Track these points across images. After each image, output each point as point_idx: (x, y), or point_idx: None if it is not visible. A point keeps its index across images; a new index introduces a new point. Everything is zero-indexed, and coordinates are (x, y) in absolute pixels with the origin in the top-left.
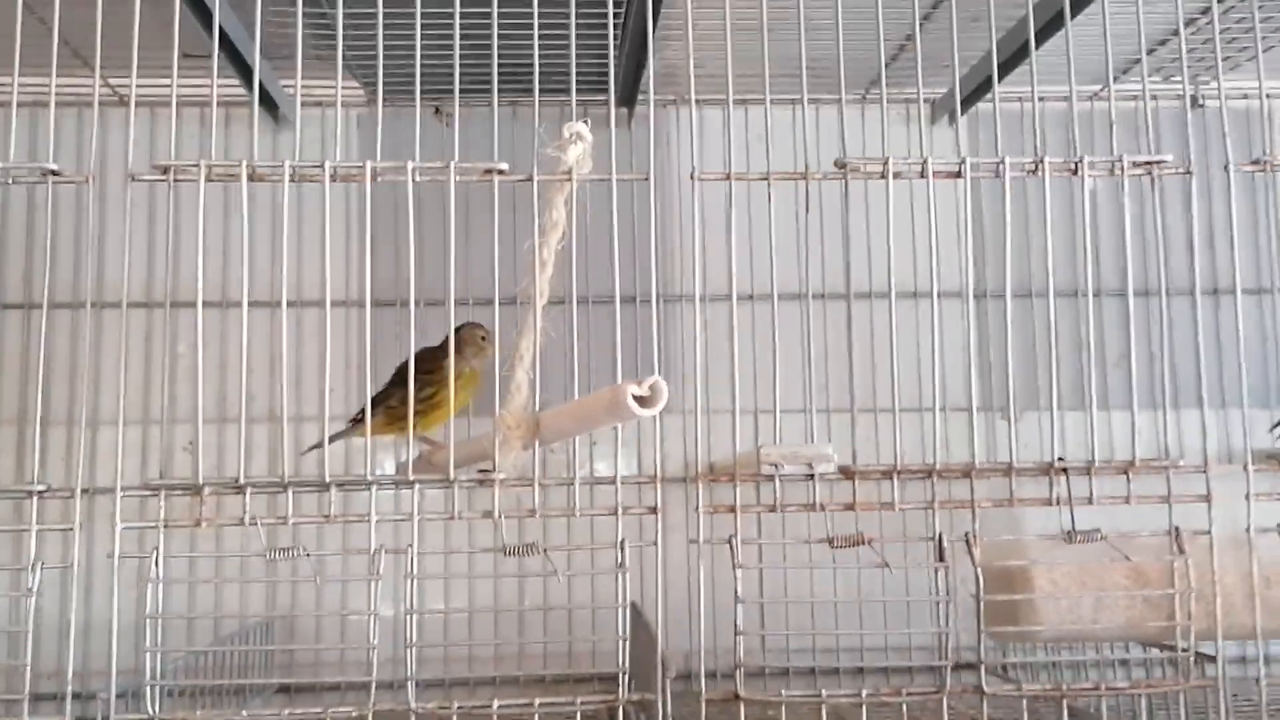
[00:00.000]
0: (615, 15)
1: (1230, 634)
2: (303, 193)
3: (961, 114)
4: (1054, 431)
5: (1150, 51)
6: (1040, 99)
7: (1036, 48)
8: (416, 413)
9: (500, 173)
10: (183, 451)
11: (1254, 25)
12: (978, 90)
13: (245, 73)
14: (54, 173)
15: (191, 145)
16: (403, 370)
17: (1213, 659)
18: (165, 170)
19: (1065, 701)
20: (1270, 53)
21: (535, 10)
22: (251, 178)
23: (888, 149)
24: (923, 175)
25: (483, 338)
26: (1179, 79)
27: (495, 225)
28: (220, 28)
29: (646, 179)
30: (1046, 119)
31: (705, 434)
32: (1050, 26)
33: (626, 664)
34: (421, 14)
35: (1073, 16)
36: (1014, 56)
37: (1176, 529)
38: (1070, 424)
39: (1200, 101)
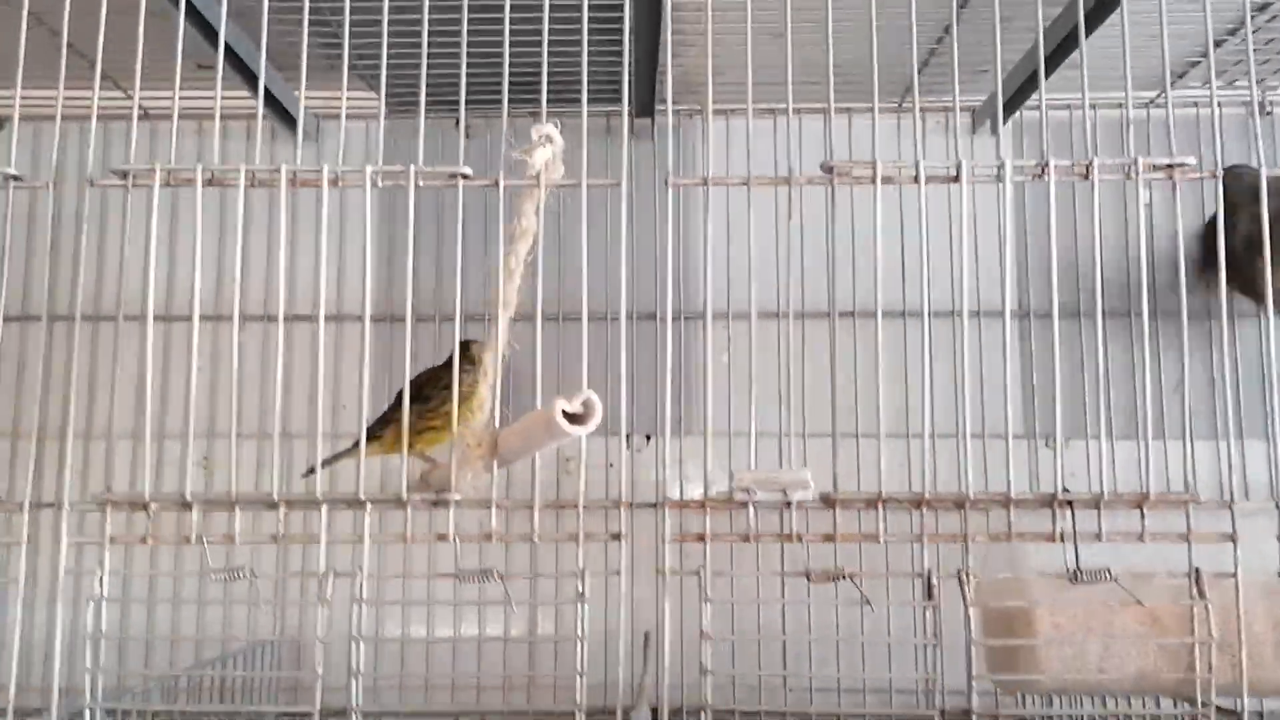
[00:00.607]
0: (615, 22)
1: (1257, 689)
2: (298, 205)
3: (1004, 122)
4: (1057, 461)
5: (1201, 59)
6: (1091, 105)
7: (1076, 49)
8: (421, 431)
9: (465, 177)
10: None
11: None
12: (1019, 94)
13: (260, 87)
14: (15, 178)
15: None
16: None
17: (1237, 715)
18: (124, 175)
19: None
20: None
21: (545, 26)
22: (251, 184)
23: (922, 158)
24: (915, 180)
25: (481, 358)
26: (1242, 83)
27: (459, 234)
28: (228, 43)
29: (618, 185)
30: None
31: (678, 458)
32: (1091, 22)
33: (584, 702)
34: (440, 28)
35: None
36: (1054, 56)
37: (1197, 570)
38: (1108, 454)
39: (1268, 109)
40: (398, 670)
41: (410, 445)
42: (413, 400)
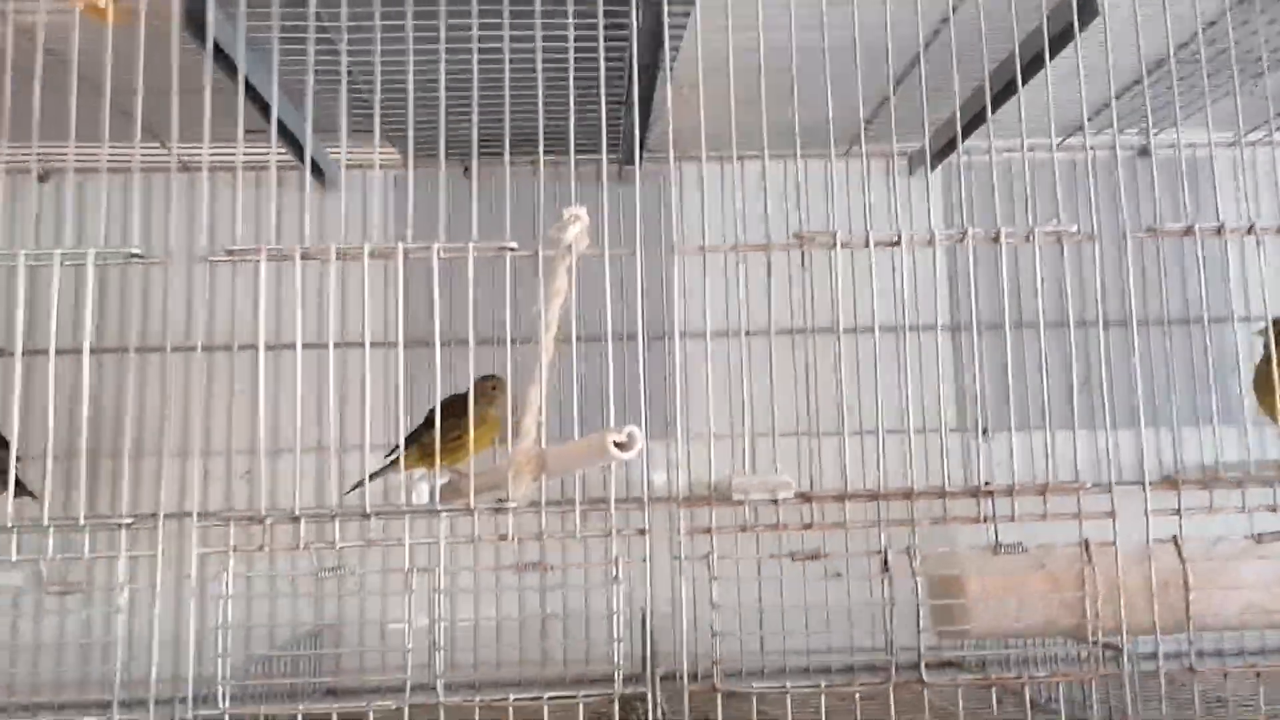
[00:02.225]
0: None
1: (1132, 630)
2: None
3: (932, 169)
4: (978, 455)
5: (1097, 113)
6: (1008, 151)
7: (993, 111)
8: (445, 449)
9: (511, 250)
10: (239, 480)
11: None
12: (949, 145)
13: (297, 146)
14: (137, 255)
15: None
16: (433, 414)
17: (1117, 649)
18: (231, 253)
19: (994, 690)
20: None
21: (539, 87)
22: (304, 257)
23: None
24: (866, 245)
25: (493, 388)
26: (1132, 130)
27: (508, 289)
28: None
29: (634, 254)
30: (1011, 171)
31: (687, 466)
32: (1007, 91)
33: (621, 662)
34: (449, 89)
35: (1024, 83)
36: (975, 119)
37: (1086, 541)
38: (1019, 446)
39: (1149, 151)
40: (468, 646)
41: (440, 460)
42: (437, 423)
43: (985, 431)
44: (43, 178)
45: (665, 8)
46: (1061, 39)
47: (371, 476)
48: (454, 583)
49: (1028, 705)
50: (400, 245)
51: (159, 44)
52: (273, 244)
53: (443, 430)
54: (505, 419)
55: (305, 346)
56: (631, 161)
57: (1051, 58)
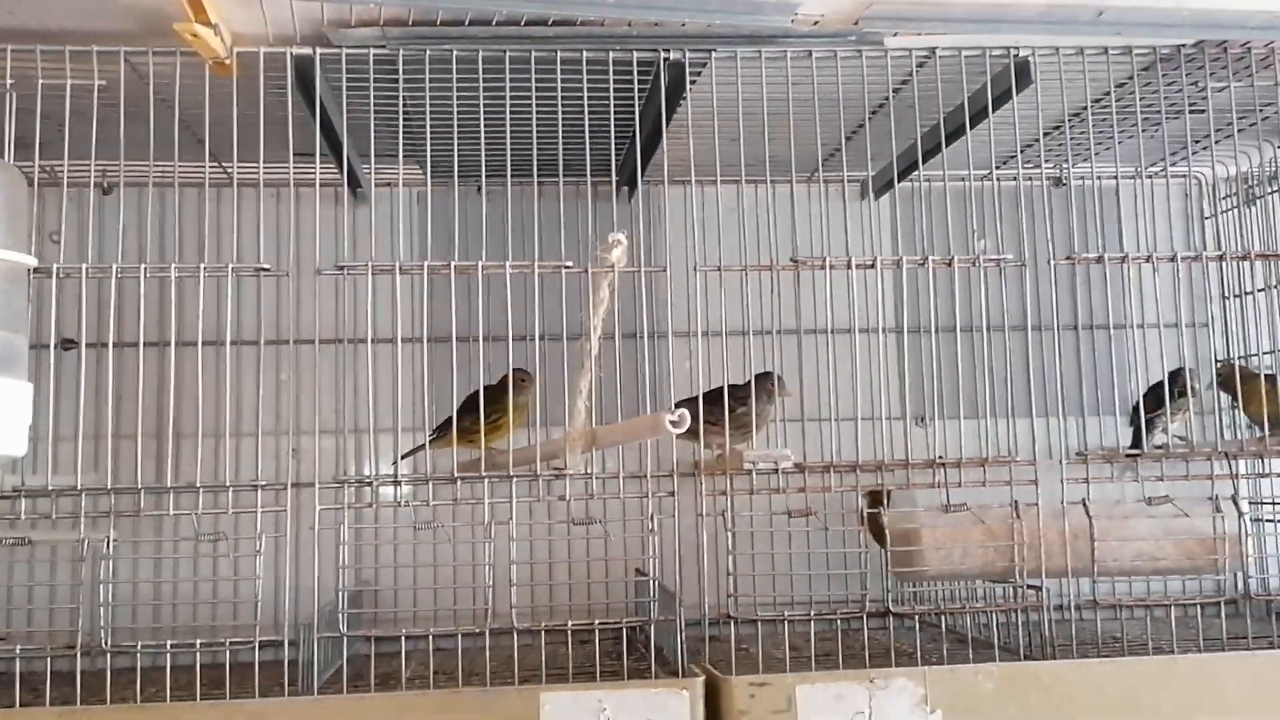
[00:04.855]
0: (625, 120)
1: (1050, 574)
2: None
3: (876, 198)
4: (932, 436)
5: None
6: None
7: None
8: (487, 430)
9: (567, 268)
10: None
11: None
12: (905, 172)
13: (342, 163)
14: (264, 270)
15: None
16: (472, 399)
17: (1038, 589)
18: (341, 268)
19: (944, 618)
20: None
21: (551, 108)
22: (402, 271)
23: (831, 222)
24: (848, 268)
25: (522, 379)
26: (1050, 165)
27: (564, 306)
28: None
29: (664, 271)
30: (957, 197)
31: (701, 444)
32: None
33: (655, 595)
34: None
35: (973, 127)
36: (932, 150)
37: (1015, 502)
38: (965, 429)
39: (1064, 181)
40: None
41: (475, 440)
42: (475, 409)
43: (922, 420)
44: (106, 190)
45: (686, 70)
46: (1001, 98)
47: (420, 448)
48: (518, 534)
49: (969, 639)
50: (507, 265)
51: (245, 87)
52: (374, 260)
53: (485, 414)
54: (534, 405)
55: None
56: (631, 184)
57: (994, 111)
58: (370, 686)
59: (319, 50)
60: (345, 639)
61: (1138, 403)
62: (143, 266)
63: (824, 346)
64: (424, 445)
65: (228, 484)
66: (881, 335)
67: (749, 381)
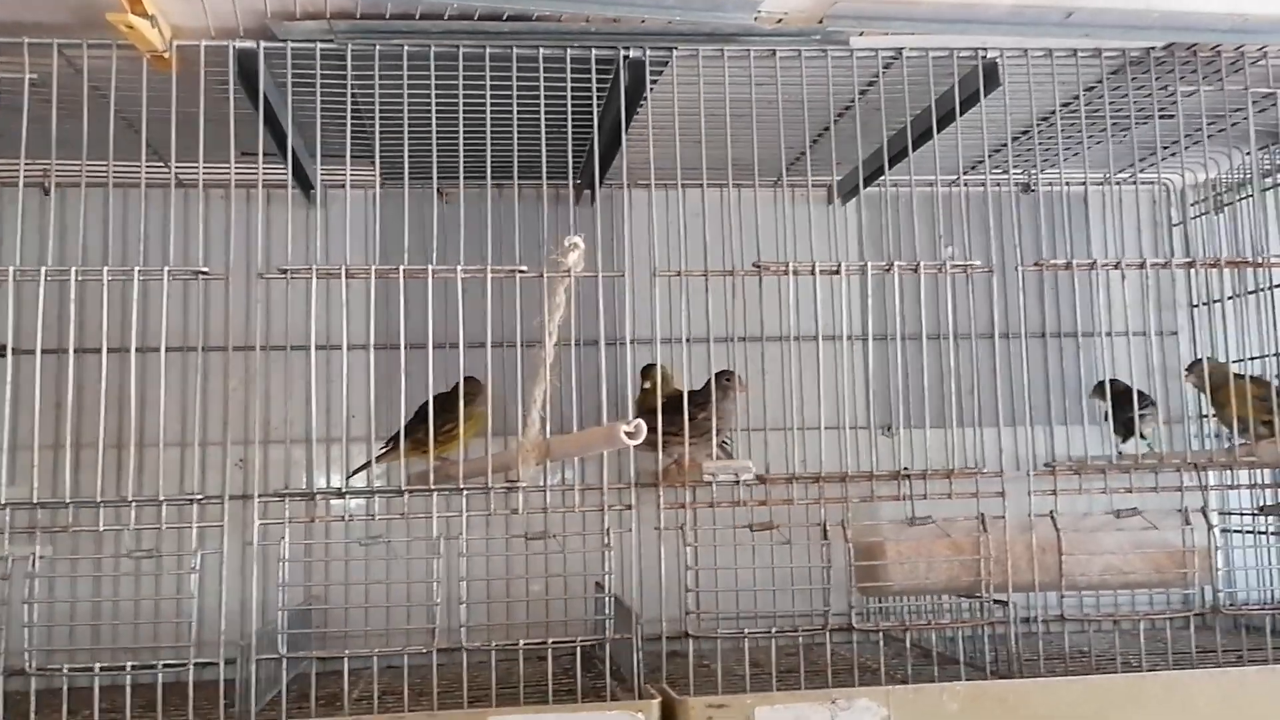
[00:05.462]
0: (584, 121)
1: (1017, 587)
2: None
3: (843, 203)
4: (898, 446)
5: (995, 151)
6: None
7: (914, 149)
8: (437, 440)
9: (522, 273)
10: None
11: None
12: (871, 177)
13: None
14: (203, 272)
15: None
16: (422, 410)
17: (1004, 603)
18: (284, 271)
19: (908, 634)
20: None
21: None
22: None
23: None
24: (812, 273)
25: (471, 389)
26: (1018, 170)
27: (519, 312)
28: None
29: (623, 276)
30: (925, 202)
31: (661, 453)
32: (924, 137)
33: (612, 612)
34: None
35: (940, 131)
36: (899, 154)
37: (982, 515)
38: (932, 439)
39: (1032, 187)
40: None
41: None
42: (426, 419)
43: (889, 428)
44: (47, 191)
45: (647, 69)
46: (969, 101)
47: (375, 460)
48: (469, 549)
49: (934, 655)
50: (429, 268)
51: (187, 82)
52: (320, 264)
53: (435, 424)
54: (488, 414)
55: (318, 349)
56: (590, 188)
57: (961, 114)
58: (312, 710)
59: (263, 44)
60: (286, 660)
61: (1120, 393)
62: (73, 269)
63: (788, 354)
64: (370, 462)
65: (160, 498)
66: (847, 343)
67: (707, 382)
